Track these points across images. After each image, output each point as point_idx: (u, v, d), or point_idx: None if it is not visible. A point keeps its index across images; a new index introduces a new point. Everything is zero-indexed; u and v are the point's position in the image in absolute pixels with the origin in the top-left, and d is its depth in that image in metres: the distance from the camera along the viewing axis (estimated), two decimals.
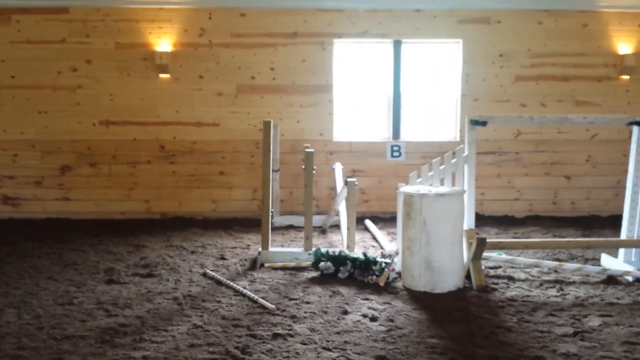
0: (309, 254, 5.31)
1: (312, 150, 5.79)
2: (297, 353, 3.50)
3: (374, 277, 4.85)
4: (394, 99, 7.80)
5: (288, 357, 3.46)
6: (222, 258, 5.76)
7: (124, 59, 7.55)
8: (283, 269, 5.32)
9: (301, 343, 3.65)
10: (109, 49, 7.53)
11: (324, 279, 4.99)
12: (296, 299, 4.48)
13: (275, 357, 3.46)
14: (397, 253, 5.15)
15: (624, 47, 7.73)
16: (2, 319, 4.04)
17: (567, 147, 7.88)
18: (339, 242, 6.41)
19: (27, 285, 4.85)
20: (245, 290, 4.62)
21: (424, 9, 7.61)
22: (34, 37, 7.48)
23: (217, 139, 7.73)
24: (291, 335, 3.76)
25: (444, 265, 4.63)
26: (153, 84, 7.60)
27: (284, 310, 4.22)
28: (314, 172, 5.66)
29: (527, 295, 4.60)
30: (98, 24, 7.50)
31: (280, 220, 7.38)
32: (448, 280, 4.67)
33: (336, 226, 7.02)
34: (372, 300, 4.48)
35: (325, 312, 4.20)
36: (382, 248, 6.05)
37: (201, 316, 4.11)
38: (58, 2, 7.35)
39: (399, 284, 4.88)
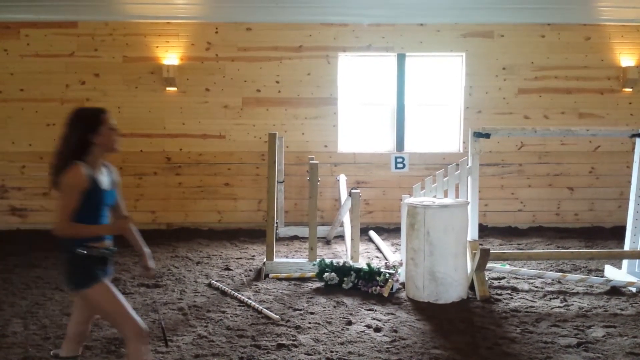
0: (314, 265, 5.33)
1: (317, 161, 5.85)
2: None
3: (378, 287, 4.87)
4: (398, 111, 7.86)
5: None
6: (227, 269, 5.79)
7: (132, 72, 7.65)
8: (287, 279, 5.35)
9: (305, 354, 3.67)
10: (117, 63, 7.64)
11: (328, 290, 5.01)
12: (300, 310, 4.50)
13: None
14: (401, 264, 5.17)
15: (626, 60, 7.78)
16: (8, 329, 4.08)
17: (570, 159, 7.90)
18: (343, 253, 6.44)
19: (34, 295, 4.89)
20: (249, 301, 4.65)
21: (428, 23, 7.70)
22: (43, 50, 7.60)
23: (222, 151, 7.80)
24: (295, 346, 3.78)
25: (448, 276, 4.65)
26: (160, 96, 7.69)
27: (288, 321, 4.24)
28: (318, 183, 5.70)
29: (531, 306, 4.61)
30: (106, 38, 7.62)
31: (285, 231, 7.41)
32: (452, 291, 4.68)
33: (340, 237, 7.05)
34: (376, 310, 4.50)
35: (329, 323, 4.22)
36: (386, 259, 6.07)
37: (206, 326, 4.14)
38: (67, 17, 7.48)
39: (402, 295, 4.89)
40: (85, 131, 2.82)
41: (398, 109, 7.86)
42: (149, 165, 7.76)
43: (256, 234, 7.37)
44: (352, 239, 5.66)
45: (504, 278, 5.38)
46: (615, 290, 4.96)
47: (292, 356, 3.63)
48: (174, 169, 7.79)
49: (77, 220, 2.72)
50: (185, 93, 7.71)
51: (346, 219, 6.31)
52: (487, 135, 5.24)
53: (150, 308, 4.54)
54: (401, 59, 7.81)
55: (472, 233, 5.19)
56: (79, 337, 2.96)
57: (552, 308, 4.57)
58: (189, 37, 7.66)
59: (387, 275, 4.93)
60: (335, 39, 7.71)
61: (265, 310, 4.41)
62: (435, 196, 5.25)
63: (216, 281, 5.27)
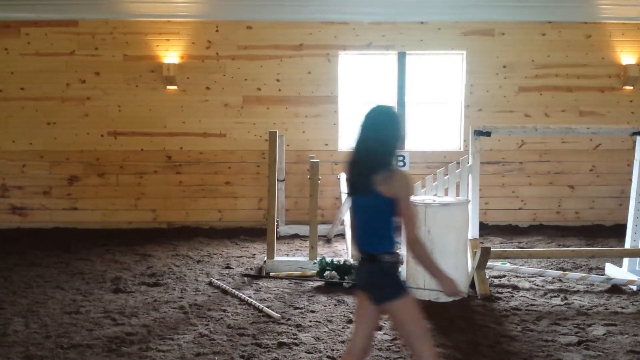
0: (314, 263, 5.33)
1: (318, 160, 5.84)
2: None
3: None
4: (399, 110, 7.85)
5: None
6: (228, 267, 5.79)
7: (132, 71, 7.65)
8: (288, 278, 5.35)
9: (306, 352, 3.67)
10: (118, 61, 7.63)
11: (329, 288, 5.01)
12: (301, 308, 4.50)
13: None
14: (401, 262, 5.17)
15: (627, 57, 7.76)
16: (9, 327, 4.08)
17: (571, 157, 7.89)
18: (343, 251, 6.44)
19: (35, 294, 4.89)
20: (250, 299, 4.65)
21: (428, 22, 7.68)
22: (43, 49, 7.60)
23: (223, 149, 7.80)
24: (296, 344, 3.79)
25: (449, 275, 4.64)
26: (160, 95, 7.68)
27: (289, 319, 4.25)
28: (319, 181, 5.70)
29: (532, 304, 4.61)
30: (106, 37, 7.61)
31: (286, 230, 7.41)
32: None
33: (341, 235, 7.05)
34: None
35: (330, 321, 4.22)
36: None
37: (207, 325, 4.14)
38: (67, 15, 7.47)
39: None
40: (401, 131, 2.62)
41: (399, 107, 7.84)
42: (149, 164, 7.76)
43: (257, 233, 7.36)
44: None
45: (504, 276, 5.38)
46: (616, 289, 4.96)
47: (293, 354, 3.63)
48: (175, 167, 7.79)
49: (391, 229, 2.56)
50: (186, 92, 7.70)
51: (347, 217, 6.30)
52: (488, 134, 5.24)
53: (151, 306, 4.54)
54: (402, 57, 7.79)
55: (473, 231, 5.18)
56: (362, 353, 2.69)
57: (552, 306, 4.57)
58: (189, 35, 7.65)
59: None
60: (336, 37, 7.70)
61: (266, 309, 4.41)
62: (436, 194, 5.25)
63: (217, 280, 5.28)
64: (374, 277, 2.61)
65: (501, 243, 6.94)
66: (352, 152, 2.65)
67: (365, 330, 2.69)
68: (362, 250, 2.65)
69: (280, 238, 7.15)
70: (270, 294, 4.88)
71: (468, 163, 5.27)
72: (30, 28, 7.57)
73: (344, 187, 6.78)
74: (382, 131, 2.58)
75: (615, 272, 5.35)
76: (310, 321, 4.21)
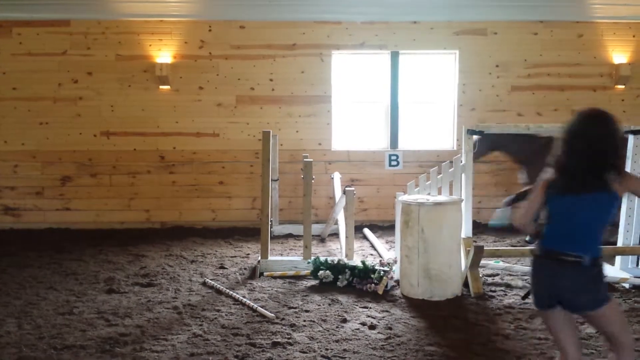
0: (308, 263, 5.34)
1: (311, 159, 5.84)
2: None
3: (373, 285, 4.88)
4: (392, 109, 7.87)
5: None
6: (222, 267, 5.78)
7: (125, 71, 7.62)
8: (282, 277, 5.35)
9: (300, 351, 3.68)
10: (110, 61, 7.60)
11: (323, 288, 5.02)
12: (295, 308, 4.51)
13: None
14: (395, 261, 5.19)
15: (618, 57, 7.81)
16: (2, 329, 4.06)
17: None
18: (337, 251, 6.44)
19: (28, 295, 4.87)
20: (244, 299, 4.64)
21: (421, 21, 7.70)
22: (36, 49, 7.56)
23: (216, 149, 7.79)
24: (290, 344, 3.79)
25: (442, 273, 4.67)
26: (153, 95, 7.66)
27: (283, 319, 4.25)
28: (312, 181, 5.70)
29: (525, 303, 4.62)
30: (99, 37, 7.58)
31: (280, 229, 7.42)
32: (446, 288, 4.70)
33: (335, 235, 7.05)
34: (370, 308, 4.51)
35: (324, 321, 4.23)
36: (380, 256, 6.08)
37: (201, 325, 4.14)
38: (59, 15, 7.43)
39: (397, 292, 4.91)
40: (621, 135, 2.67)
41: (392, 106, 7.87)
42: (142, 164, 7.74)
43: (250, 232, 7.36)
44: (346, 237, 5.67)
45: (497, 275, 5.40)
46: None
47: (287, 354, 3.64)
48: (168, 167, 7.77)
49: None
50: (179, 91, 7.69)
51: (340, 216, 6.31)
52: (481, 133, 5.26)
53: (145, 307, 4.53)
54: (395, 56, 7.81)
55: (466, 230, 5.20)
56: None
57: None
58: (182, 35, 7.63)
59: (382, 272, 4.94)
60: (329, 37, 7.71)
61: (260, 309, 4.41)
62: (429, 194, 5.27)
63: (211, 280, 5.27)
64: (586, 283, 2.55)
65: (494, 242, 6.96)
66: (571, 157, 2.58)
67: (574, 337, 2.71)
68: (568, 252, 2.56)
69: (274, 238, 7.15)
70: (264, 293, 4.88)
71: (461, 162, 5.29)
72: (22, 28, 7.53)
73: (337, 187, 6.79)
74: (606, 139, 2.55)
75: (608, 270, 5.36)
76: (304, 320, 4.22)
